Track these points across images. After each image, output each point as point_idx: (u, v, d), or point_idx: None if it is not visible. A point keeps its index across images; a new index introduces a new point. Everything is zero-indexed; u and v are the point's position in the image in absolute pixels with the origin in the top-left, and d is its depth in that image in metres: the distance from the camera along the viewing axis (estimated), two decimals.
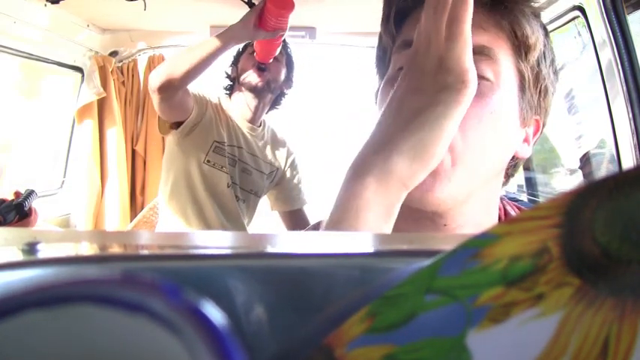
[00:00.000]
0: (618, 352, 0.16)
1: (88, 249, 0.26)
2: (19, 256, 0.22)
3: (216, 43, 1.38)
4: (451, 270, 0.17)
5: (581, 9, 1.27)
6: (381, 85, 0.56)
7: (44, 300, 0.15)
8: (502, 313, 0.17)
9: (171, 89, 1.41)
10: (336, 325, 0.17)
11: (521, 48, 0.53)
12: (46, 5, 1.58)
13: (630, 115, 1.15)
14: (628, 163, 1.18)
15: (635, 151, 1.15)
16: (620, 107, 1.18)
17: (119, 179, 2.16)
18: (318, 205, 1.97)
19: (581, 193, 0.16)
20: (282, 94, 1.70)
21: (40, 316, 0.15)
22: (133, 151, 2.29)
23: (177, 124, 1.56)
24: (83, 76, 2.07)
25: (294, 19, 1.44)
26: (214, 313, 0.15)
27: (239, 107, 1.65)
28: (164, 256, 0.23)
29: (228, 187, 1.63)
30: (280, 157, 1.77)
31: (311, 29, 1.98)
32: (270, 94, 1.63)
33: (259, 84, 1.58)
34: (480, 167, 0.51)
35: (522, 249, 0.16)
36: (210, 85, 1.71)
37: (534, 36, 0.53)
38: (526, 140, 0.56)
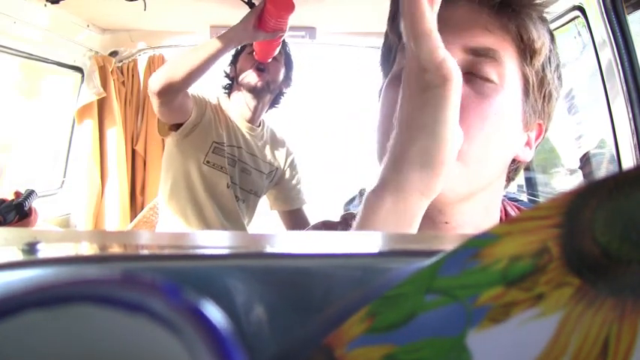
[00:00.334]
0: (618, 352, 0.16)
1: (88, 249, 0.26)
2: (19, 256, 0.22)
3: (215, 45, 1.37)
4: (451, 270, 0.17)
5: (581, 9, 1.27)
6: (385, 83, 0.56)
7: (44, 300, 0.15)
8: (502, 313, 0.17)
9: (171, 93, 1.40)
10: (336, 325, 0.17)
11: (526, 52, 0.53)
12: (46, 5, 1.58)
13: (630, 115, 1.15)
14: (628, 163, 1.18)
15: (635, 151, 1.15)
16: (620, 107, 1.18)
17: (119, 179, 2.16)
18: (317, 205, 1.97)
19: (581, 193, 0.16)
20: (281, 93, 1.70)
21: (40, 316, 0.15)
22: (133, 151, 2.29)
23: (176, 126, 1.56)
24: (83, 76, 2.07)
25: (294, 19, 1.44)
26: (214, 313, 0.15)
27: (238, 107, 1.65)
28: (164, 256, 0.23)
29: (228, 187, 1.63)
30: (280, 157, 1.77)
31: (311, 29, 1.98)
32: (269, 94, 1.63)
33: (258, 85, 1.58)
34: (481, 166, 0.51)
35: (522, 249, 0.16)
36: (210, 85, 1.71)
37: (540, 40, 0.53)
38: (528, 144, 0.56)
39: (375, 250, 0.25)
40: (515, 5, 0.52)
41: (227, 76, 1.68)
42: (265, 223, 2.08)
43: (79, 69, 2.05)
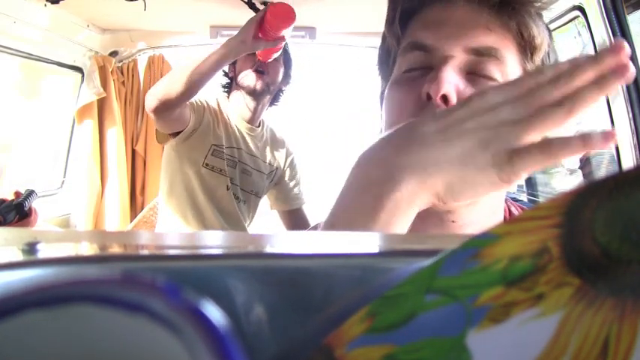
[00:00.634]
0: (618, 352, 0.16)
1: (88, 249, 0.26)
2: (19, 256, 0.22)
3: (212, 60, 1.33)
4: (451, 270, 0.17)
5: (581, 9, 1.27)
6: (387, 87, 0.57)
7: (44, 300, 0.15)
8: (502, 313, 0.17)
9: (169, 110, 1.39)
10: (336, 325, 0.17)
11: (527, 48, 0.53)
12: (46, 5, 1.58)
13: (630, 115, 1.15)
14: (628, 163, 1.18)
15: (635, 151, 1.15)
16: (620, 107, 1.18)
17: (119, 179, 2.16)
18: (317, 205, 1.97)
19: (581, 193, 0.16)
20: (280, 91, 1.69)
21: (40, 316, 0.15)
22: (133, 151, 2.29)
23: (175, 134, 1.55)
24: (83, 76, 2.07)
25: None
26: (214, 313, 0.15)
27: (237, 108, 1.65)
28: (164, 256, 0.23)
29: (228, 189, 1.63)
30: (279, 157, 1.77)
31: (311, 29, 1.98)
32: (268, 95, 1.63)
33: (258, 87, 1.56)
34: None
35: (522, 249, 0.16)
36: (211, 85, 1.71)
37: (540, 36, 0.53)
38: None
39: (375, 250, 0.25)
40: (516, 3, 0.52)
41: (226, 75, 1.67)
42: (265, 223, 2.08)
43: (79, 69, 2.05)
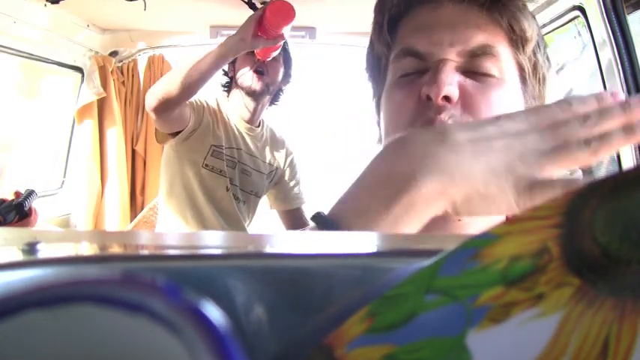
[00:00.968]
0: (618, 352, 0.16)
1: (88, 249, 0.26)
2: (19, 256, 0.22)
3: (212, 58, 1.32)
4: (451, 270, 0.17)
5: (581, 9, 1.27)
6: (384, 92, 0.57)
7: (44, 300, 0.15)
8: (502, 313, 0.17)
9: (169, 109, 1.38)
10: (336, 325, 0.17)
11: (519, 42, 0.54)
12: (46, 5, 1.58)
13: None
14: (628, 163, 1.18)
15: (635, 151, 1.15)
16: None
17: (119, 179, 2.16)
18: (317, 205, 1.97)
19: (581, 193, 0.16)
20: (280, 91, 1.69)
21: (40, 316, 0.15)
22: (133, 151, 2.29)
23: (174, 134, 1.55)
24: (83, 76, 2.07)
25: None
26: (214, 313, 0.15)
27: (237, 108, 1.64)
28: (164, 256, 0.23)
29: (227, 190, 1.63)
30: (279, 157, 1.77)
31: (311, 29, 1.98)
32: (268, 95, 1.62)
33: (258, 88, 1.56)
34: None
35: (522, 249, 0.16)
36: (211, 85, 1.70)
37: (530, 28, 0.54)
38: None
39: (375, 250, 0.25)
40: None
41: (226, 74, 1.67)
42: (265, 223, 2.08)
43: (79, 69, 2.05)
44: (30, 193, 1.24)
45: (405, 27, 0.56)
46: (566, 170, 0.43)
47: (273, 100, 1.69)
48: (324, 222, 0.39)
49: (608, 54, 1.19)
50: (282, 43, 1.46)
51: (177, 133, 1.54)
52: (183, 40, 2.22)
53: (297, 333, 0.19)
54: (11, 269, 0.19)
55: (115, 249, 0.26)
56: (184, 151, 1.58)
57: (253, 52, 1.52)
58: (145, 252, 0.25)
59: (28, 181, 2.03)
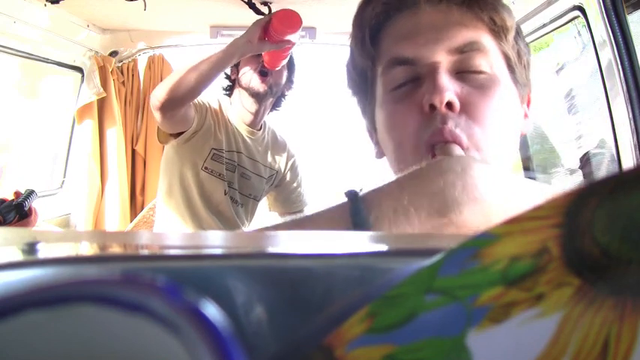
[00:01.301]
0: (618, 352, 0.16)
1: (88, 249, 0.26)
2: (19, 256, 0.22)
3: (218, 59, 1.33)
4: (451, 270, 0.17)
5: (581, 9, 1.27)
6: (379, 108, 0.56)
7: (44, 300, 0.15)
8: (502, 313, 0.17)
9: (175, 109, 1.39)
10: (336, 325, 0.17)
11: (500, 32, 0.55)
12: (45, 5, 1.58)
13: (630, 115, 1.15)
14: (628, 163, 1.18)
15: (635, 151, 1.15)
16: (620, 107, 1.18)
17: (119, 179, 2.16)
18: (317, 205, 1.96)
19: (581, 193, 0.16)
20: (282, 96, 1.68)
21: (40, 316, 0.15)
22: (133, 151, 2.29)
23: (176, 134, 1.55)
24: (83, 76, 2.07)
25: None
26: (214, 313, 0.15)
27: (239, 111, 1.63)
28: (164, 256, 0.23)
29: (225, 194, 1.62)
30: (280, 160, 1.76)
31: (311, 29, 1.98)
32: (271, 97, 1.62)
33: (262, 90, 1.55)
34: (502, 156, 0.52)
35: (522, 249, 0.16)
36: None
37: (510, 17, 0.55)
38: (525, 116, 0.59)
39: (375, 250, 0.25)
40: None
41: (227, 77, 1.66)
42: (265, 223, 2.08)
43: (79, 69, 2.05)
44: (30, 193, 1.24)
45: (388, 37, 0.56)
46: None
47: (275, 105, 1.68)
48: (355, 201, 0.39)
49: (608, 54, 1.19)
50: (290, 50, 1.45)
51: (180, 133, 1.54)
52: (183, 40, 2.21)
53: (297, 333, 0.19)
54: (11, 269, 0.19)
55: (115, 249, 0.26)
56: (185, 153, 1.57)
57: (259, 55, 1.51)
58: (145, 252, 0.25)
59: (28, 181, 2.03)
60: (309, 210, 1.82)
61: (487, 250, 0.17)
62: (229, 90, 1.67)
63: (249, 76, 1.55)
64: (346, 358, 0.17)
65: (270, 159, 1.72)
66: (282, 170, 1.77)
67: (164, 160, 1.65)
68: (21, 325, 0.15)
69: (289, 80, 1.65)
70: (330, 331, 0.17)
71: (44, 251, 0.22)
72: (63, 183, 2.12)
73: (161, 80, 2.11)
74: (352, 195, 0.40)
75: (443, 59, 0.52)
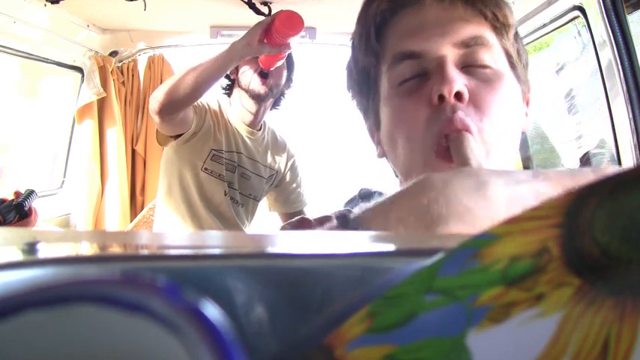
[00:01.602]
0: (618, 352, 0.16)
1: (88, 249, 0.26)
2: (19, 256, 0.22)
3: (217, 62, 1.32)
4: (451, 270, 0.17)
5: (581, 9, 1.27)
6: (384, 104, 0.56)
7: (44, 300, 0.15)
8: (502, 313, 0.17)
9: (174, 112, 1.38)
10: (336, 325, 0.17)
11: (502, 29, 0.55)
12: (45, 5, 1.58)
13: (630, 115, 1.15)
14: (628, 163, 1.18)
15: (635, 151, 1.15)
16: (620, 107, 1.18)
17: (119, 179, 2.16)
18: (318, 206, 1.97)
19: (581, 193, 0.16)
20: (281, 95, 1.68)
21: (40, 316, 0.15)
22: (133, 151, 2.29)
23: (176, 136, 1.55)
24: (83, 76, 2.07)
25: None
26: (214, 313, 0.15)
27: (239, 111, 1.63)
28: (164, 256, 0.23)
29: (225, 194, 1.62)
30: (280, 160, 1.76)
31: (311, 29, 1.98)
32: (271, 98, 1.61)
33: (262, 92, 1.55)
34: (506, 150, 0.53)
35: (522, 249, 0.16)
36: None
37: (511, 14, 0.56)
38: (525, 115, 0.59)
39: (375, 250, 0.25)
40: None
41: (227, 77, 1.65)
42: (265, 223, 2.08)
43: (79, 69, 2.05)
44: (30, 193, 1.24)
45: (394, 33, 0.56)
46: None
47: (275, 104, 1.68)
48: (344, 224, 0.39)
49: (608, 54, 1.19)
50: (287, 53, 1.45)
51: (179, 135, 1.54)
52: (183, 40, 2.22)
53: (297, 333, 0.19)
54: (11, 269, 0.19)
55: (115, 249, 0.26)
56: (185, 153, 1.57)
57: (257, 57, 1.51)
58: (145, 252, 0.25)
59: (28, 181, 2.03)
60: (308, 210, 1.82)
61: (487, 250, 0.17)
62: (229, 89, 1.67)
63: (249, 77, 1.55)
64: (346, 358, 0.17)
65: (270, 159, 1.72)
66: (282, 170, 1.77)
67: (164, 161, 1.65)
68: (21, 325, 0.15)
69: (289, 79, 1.65)
70: (330, 331, 0.17)
71: (44, 251, 0.22)
72: (63, 183, 2.12)
73: (161, 80, 2.12)
74: (342, 217, 0.40)
75: (449, 52, 0.52)
